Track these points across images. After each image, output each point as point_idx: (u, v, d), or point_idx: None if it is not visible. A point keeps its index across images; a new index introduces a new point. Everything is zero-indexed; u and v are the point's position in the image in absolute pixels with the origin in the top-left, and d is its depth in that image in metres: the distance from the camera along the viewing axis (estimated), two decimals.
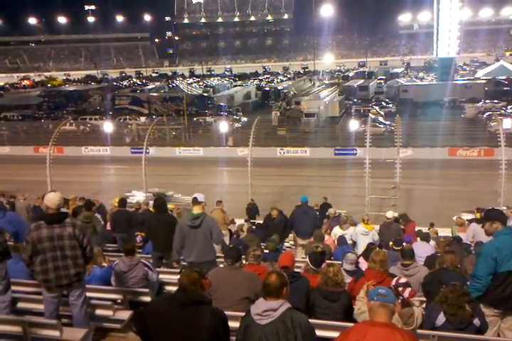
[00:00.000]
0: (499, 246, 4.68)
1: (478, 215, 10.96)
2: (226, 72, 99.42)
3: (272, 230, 10.35)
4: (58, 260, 5.01)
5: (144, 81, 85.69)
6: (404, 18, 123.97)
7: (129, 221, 10.50)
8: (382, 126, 31.94)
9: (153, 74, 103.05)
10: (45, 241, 4.96)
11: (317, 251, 6.91)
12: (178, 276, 3.65)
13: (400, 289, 4.57)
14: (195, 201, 6.56)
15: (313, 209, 11.75)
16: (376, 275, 5.51)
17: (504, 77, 51.08)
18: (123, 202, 11.02)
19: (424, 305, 5.66)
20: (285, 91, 56.60)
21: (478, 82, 49.23)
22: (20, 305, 5.88)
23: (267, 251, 7.90)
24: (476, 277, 4.79)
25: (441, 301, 4.52)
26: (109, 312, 5.75)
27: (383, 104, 44.29)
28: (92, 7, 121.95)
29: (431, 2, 55.53)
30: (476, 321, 4.41)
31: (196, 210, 6.55)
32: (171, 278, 6.95)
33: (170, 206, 12.33)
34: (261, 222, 11.97)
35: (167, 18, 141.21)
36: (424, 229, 11.68)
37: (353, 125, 29.44)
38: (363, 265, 7.01)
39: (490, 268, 4.67)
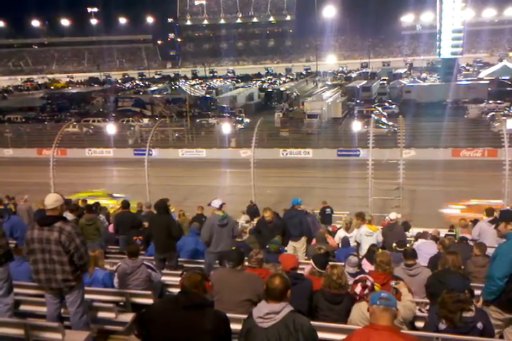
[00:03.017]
0: None
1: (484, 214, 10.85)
2: (229, 74, 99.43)
3: (267, 237, 8.41)
4: (47, 262, 4.97)
5: (146, 83, 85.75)
6: (406, 18, 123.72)
7: (132, 223, 10.51)
8: (385, 126, 31.85)
9: (156, 76, 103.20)
10: (35, 241, 4.95)
11: (320, 252, 6.89)
12: (179, 279, 3.63)
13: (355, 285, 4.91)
14: (220, 207, 8.10)
15: (301, 212, 10.40)
16: (380, 276, 5.48)
17: (507, 78, 50.86)
18: (126, 203, 11.01)
19: (427, 307, 5.63)
20: (288, 92, 56.63)
21: (482, 82, 49.04)
22: (23, 307, 5.89)
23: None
24: (491, 278, 4.71)
25: (439, 305, 4.51)
26: (111, 315, 5.74)
27: (386, 104, 44.21)
28: (95, 9, 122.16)
29: (434, 3, 55.32)
30: (480, 325, 4.37)
31: (222, 213, 8.09)
32: (173, 280, 6.95)
33: (172, 208, 12.32)
34: None
35: (169, 20, 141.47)
36: (430, 231, 11.61)
37: (356, 126, 29.39)
38: (366, 266, 6.98)
39: (506, 270, 4.60)
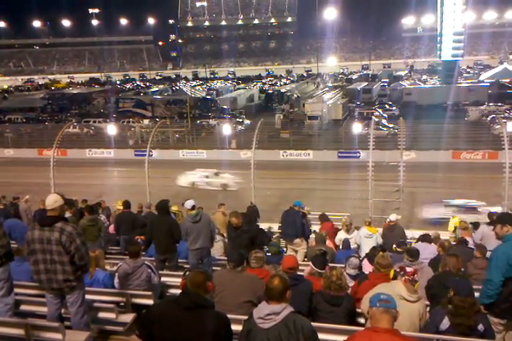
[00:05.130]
0: (509, 252, 4.60)
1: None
2: (229, 75, 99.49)
3: (235, 243, 7.99)
4: (48, 263, 4.98)
5: (147, 84, 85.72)
6: (407, 21, 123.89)
7: (133, 223, 10.51)
8: (385, 128, 31.88)
9: (157, 77, 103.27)
10: (36, 242, 4.96)
11: (318, 253, 6.91)
12: (180, 280, 3.64)
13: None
14: (192, 207, 8.28)
15: (298, 212, 10.17)
16: (380, 278, 5.49)
17: (508, 80, 50.92)
18: (127, 204, 11.01)
19: (428, 309, 5.63)
20: (288, 94, 56.64)
21: (482, 84, 49.12)
22: (23, 307, 5.88)
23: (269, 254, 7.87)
24: (489, 282, 4.71)
25: (447, 308, 4.47)
26: (111, 315, 5.74)
27: (387, 106, 44.24)
28: (96, 10, 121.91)
29: (434, 5, 55.43)
30: (481, 327, 4.37)
31: (194, 212, 8.28)
32: (174, 281, 6.95)
33: (174, 208, 12.33)
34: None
35: (171, 21, 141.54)
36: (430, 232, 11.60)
37: (357, 128, 29.41)
38: (367, 267, 6.99)
39: (502, 273, 4.60)
